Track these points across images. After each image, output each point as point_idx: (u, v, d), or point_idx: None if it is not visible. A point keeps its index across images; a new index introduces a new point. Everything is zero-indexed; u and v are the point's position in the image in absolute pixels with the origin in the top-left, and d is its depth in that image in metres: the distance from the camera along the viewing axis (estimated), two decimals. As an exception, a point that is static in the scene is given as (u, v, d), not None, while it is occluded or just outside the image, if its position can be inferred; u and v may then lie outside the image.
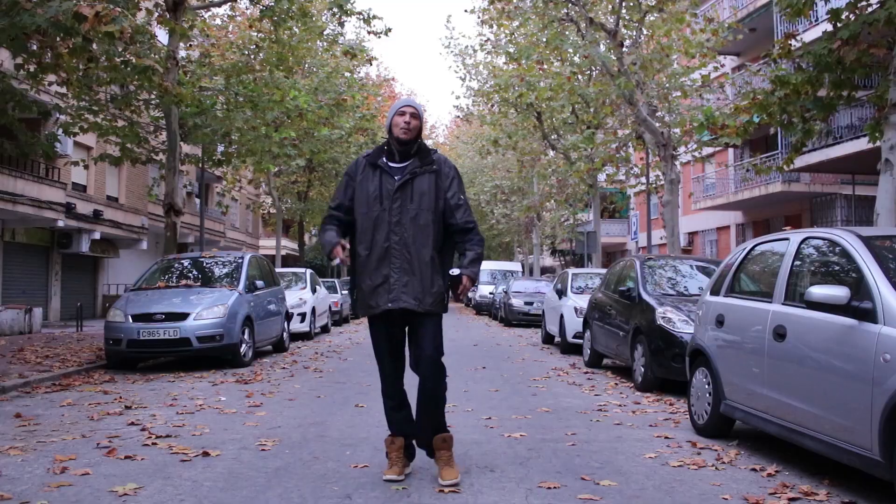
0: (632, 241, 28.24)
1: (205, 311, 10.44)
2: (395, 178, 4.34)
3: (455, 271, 4.35)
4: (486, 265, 35.81)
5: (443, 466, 4.34)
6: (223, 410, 6.93)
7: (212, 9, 19.33)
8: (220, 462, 4.88)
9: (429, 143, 52.60)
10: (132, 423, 6.23)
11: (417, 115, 4.38)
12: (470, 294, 5.07)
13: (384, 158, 4.41)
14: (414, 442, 4.57)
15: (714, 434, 5.74)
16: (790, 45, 10.07)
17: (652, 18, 16.87)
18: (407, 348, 4.52)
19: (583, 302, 12.51)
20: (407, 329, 4.45)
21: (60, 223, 21.19)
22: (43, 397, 7.90)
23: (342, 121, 22.98)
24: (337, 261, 4.32)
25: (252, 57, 18.28)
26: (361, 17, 16.33)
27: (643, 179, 21.95)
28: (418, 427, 4.48)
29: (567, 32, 18.37)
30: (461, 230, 4.42)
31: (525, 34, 20.04)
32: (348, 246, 4.34)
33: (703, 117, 12.36)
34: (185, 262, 12.39)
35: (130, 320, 10.31)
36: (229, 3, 17.15)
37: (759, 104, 10.12)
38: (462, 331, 18.97)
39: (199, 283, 11.57)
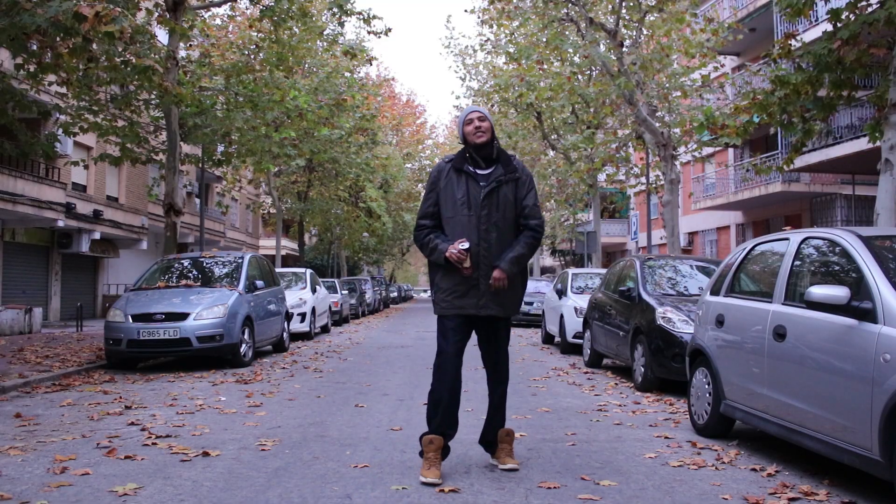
0: (632, 241, 28.23)
1: (205, 311, 10.44)
2: (482, 184, 4.50)
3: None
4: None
5: (504, 457, 4.68)
6: (223, 410, 6.93)
7: (212, 9, 19.31)
8: (220, 462, 4.88)
9: (428, 142, 51.93)
10: (132, 423, 6.23)
11: (484, 118, 4.56)
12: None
13: (468, 165, 4.55)
14: (479, 441, 4.88)
15: (714, 434, 5.74)
16: (790, 45, 10.07)
17: (652, 18, 16.88)
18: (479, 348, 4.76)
19: (583, 302, 12.51)
20: (479, 331, 4.65)
21: (60, 223, 21.20)
22: (43, 397, 7.90)
23: (342, 121, 22.97)
24: (468, 265, 4.38)
25: (252, 57, 18.27)
26: (361, 17, 16.33)
27: (643, 179, 21.95)
28: (488, 426, 4.75)
29: (567, 32, 18.38)
30: (528, 227, 4.57)
31: (525, 34, 20.04)
32: (464, 245, 4.39)
33: (703, 117, 12.36)
34: (185, 262, 12.39)
35: (130, 320, 10.31)
36: (229, 3, 17.14)
37: (759, 104, 10.12)
38: (462, 331, 18.96)
39: (199, 283, 11.57)
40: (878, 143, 9.15)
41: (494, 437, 4.76)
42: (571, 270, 15.51)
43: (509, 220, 4.52)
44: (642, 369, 8.49)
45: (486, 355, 4.74)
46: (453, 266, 4.42)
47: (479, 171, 4.54)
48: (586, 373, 10.25)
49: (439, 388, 4.48)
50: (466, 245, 4.37)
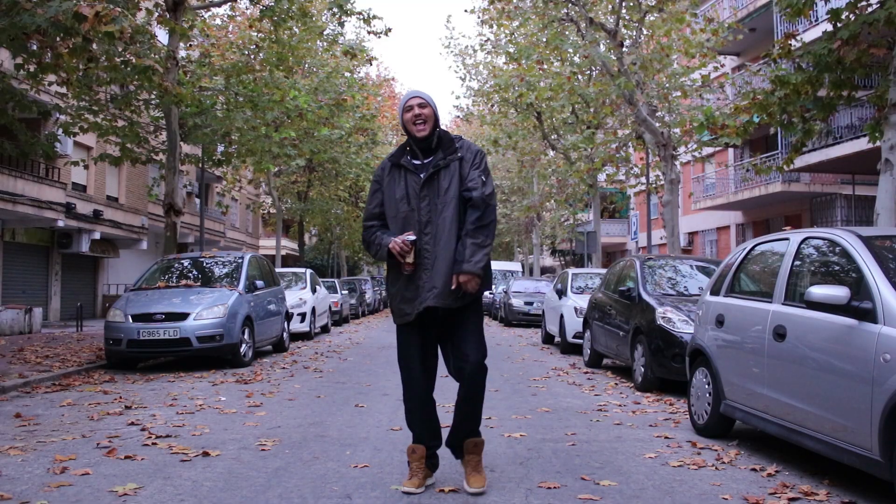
0: (632, 241, 28.23)
1: (205, 311, 10.44)
2: (420, 175, 4.08)
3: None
4: (487, 265, 35.73)
5: (470, 472, 4.14)
6: (223, 410, 6.93)
7: (212, 9, 19.32)
8: (220, 462, 4.88)
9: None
10: (132, 423, 6.23)
11: (426, 104, 4.09)
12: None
13: (408, 157, 4.16)
14: (443, 443, 4.29)
15: (714, 434, 5.74)
16: (790, 45, 10.07)
17: (652, 18, 16.88)
18: (441, 351, 4.25)
19: (583, 302, 12.51)
20: (440, 331, 4.16)
21: (60, 223, 21.20)
22: (43, 397, 7.90)
23: (342, 121, 22.97)
24: (410, 260, 3.95)
25: (252, 57, 18.28)
26: (361, 17, 16.34)
27: (643, 179, 21.95)
28: (452, 427, 4.21)
29: (567, 32, 18.38)
30: (471, 204, 4.03)
31: (525, 34, 20.05)
32: (410, 237, 3.96)
33: (703, 117, 12.36)
34: (185, 262, 12.39)
35: (130, 320, 10.30)
36: (229, 3, 17.15)
37: (759, 104, 10.12)
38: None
39: (199, 283, 11.57)
40: (878, 143, 9.15)
41: (460, 442, 4.19)
42: (571, 270, 15.51)
43: (454, 199, 4.03)
44: (642, 369, 8.49)
45: (444, 356, 4.21)
46: (398, 265, 4.06)
47: (417, 162, 4.13)
48: (586, 373, 10.25)
49: (410, 399, 4.19)
50: (412, 237, 3.97)
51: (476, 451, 4.16)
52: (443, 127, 4.25)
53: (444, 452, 4.37)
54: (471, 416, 4.14)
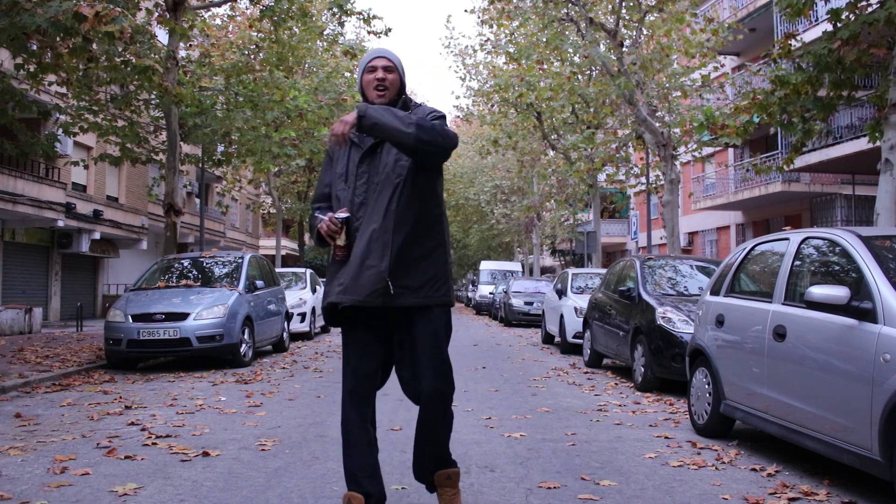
0: (632, 241, 28.22)
1: (205, 311, 10.44)
2: (362, 148, 3.35)
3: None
4: (486, 265, 35.83)
5: None
6: (223, 410, 6.93)
7: (212, 9, 19.33)
8: (220, 462, 4.88)
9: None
10: (132, 423, 6.23)
11: (393, 68, 3.35)
12: None
13: (356, 128, 3.27)
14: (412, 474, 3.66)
15: (714, 434, 5.74)
16: (790, 45, 10.07)
17: (652, 18, 16.89)
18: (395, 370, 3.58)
19: (583, 302, 12.51)
20: (395, 339, 3.46)
21: (60, 223, 21.21)
22: (43, 397, 7.90)
23: (342, 121, 22.95)
24: (341, 242, 3.27)
25: (252, 57, 18.28)
26: (361, 17, 16.34)
27: (643, 179, 21.95)
28: (415, 457, 3.57)
29: (567, 32, 18.39)
30: None
31: (525, 34, 20.06)
32: (342, 215, 3.26)
33: (703, 117, 12.35)
34: (185, 262, 12.39)
35: (130, 320, 10.31)
36: (229, 3, 17.16)
37: (759, 104, 10.12)
38: (462, 331, 18.97)
39: (199, 283, 11.57)
40: (878, 143, 9.15)
41: (431, 476, 3.52)
42: (571, 270, 15.51)
43: (400, 177, 3.24)
44: (642, 369, 8.49)
45: (399, 364, 3.50)
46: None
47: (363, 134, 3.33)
48: (586, 373, 10.25)
49: (343, 420, 3.46)
50: (344, 215, 3.26)
51: (450, 485, 3.46)
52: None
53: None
54: (433, 443, 3.48)
